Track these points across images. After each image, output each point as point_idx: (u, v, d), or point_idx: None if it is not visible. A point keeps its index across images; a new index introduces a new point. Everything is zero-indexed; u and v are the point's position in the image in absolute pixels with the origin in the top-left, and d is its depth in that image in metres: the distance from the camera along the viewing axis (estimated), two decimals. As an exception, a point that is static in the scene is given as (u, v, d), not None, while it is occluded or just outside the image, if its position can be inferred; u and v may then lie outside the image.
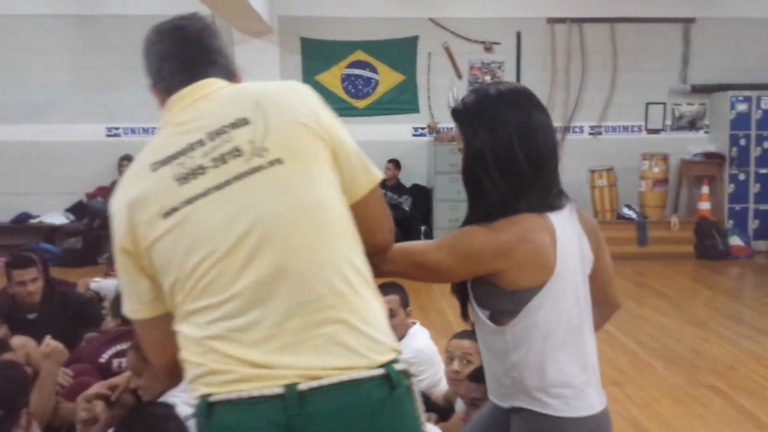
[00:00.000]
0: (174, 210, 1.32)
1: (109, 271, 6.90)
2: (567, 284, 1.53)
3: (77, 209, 8.35)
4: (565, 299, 1.53)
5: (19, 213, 8.37)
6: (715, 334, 5.24)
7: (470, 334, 2.53)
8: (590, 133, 8.83)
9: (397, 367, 1.29)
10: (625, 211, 8.33)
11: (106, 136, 8.47)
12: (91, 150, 8.39)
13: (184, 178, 1.33)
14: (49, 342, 2.96)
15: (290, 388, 1.22)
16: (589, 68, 8.66)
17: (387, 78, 8.56)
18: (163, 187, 1.34)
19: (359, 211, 1.39)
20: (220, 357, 1.26)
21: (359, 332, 1.27)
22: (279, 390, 1.22)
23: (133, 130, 8.46)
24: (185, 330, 1.32)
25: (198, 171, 1.33)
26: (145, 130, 8.39)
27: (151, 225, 1.33)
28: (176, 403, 2.46)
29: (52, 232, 8.32)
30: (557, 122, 8.69)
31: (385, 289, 3.14)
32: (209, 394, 1.27)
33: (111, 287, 4.73)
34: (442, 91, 8.52)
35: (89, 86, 8.34)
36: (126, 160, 8.14)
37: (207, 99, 1.42)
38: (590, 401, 1.59)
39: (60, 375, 2.97)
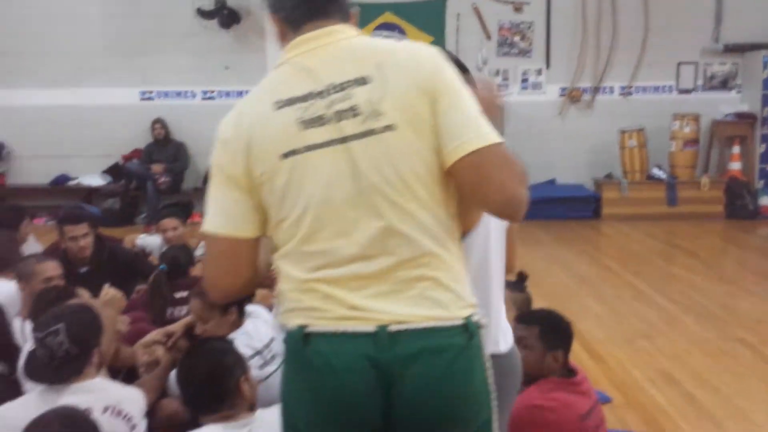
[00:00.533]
0: (293, 152, 1.38)
1: (147, 229, 7.15)
2: (480, 229, 1.69)
3: (114, 171, 8.56)
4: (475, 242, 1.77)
5: (58, 175, 8.61)
6: (744, 291, 5.31)
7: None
8: (621, 94, 8.79)
9: (474, 318, 1.42)
10: (655, 171, 8.33)
11: (140, 100, 8.62)
12: (125, 113, 8.56)
13: (306, 124, 1.38)
14: (108, 290, 3.11)
15: (382, 328, 1.36)
16: (619, 28, 8.57)
17: (415, 40, 8.52)
18: (285, 127, 1.39)
19: (467, 168, 1.37)
20: (321, 296, 1.39)
21: (446, 288, 1.40)
22: (372, 328, 1.36)
23: (165, 94, 8.60)
24: (289, 268, 1.43)
25: (318, 120, 1.38)
26: (177, 94, 8.55)
27: (267, 162, 1.40)
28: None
29: (89, 194, 8.55)
30: (587, 83, 8.68)
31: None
32: (306, 325, 1.39)
33: (155, 244, 4.92)
34: (471, 52, 8.51)
35: (125, 51, 8.48)
36: (158, 123, 8.31)
37: (333, 47, 1.43)
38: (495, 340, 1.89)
39: (119, 322, 3.14)
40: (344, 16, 1.50)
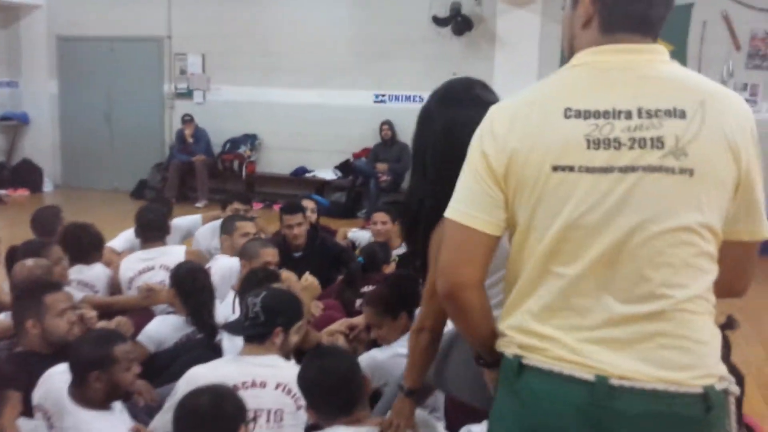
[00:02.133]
0: (569, 168, 1.27)
1: (365, 224, 7.65)
2: None
3: (344, 167, 9.25)
4: None
5: (297, 167, 9.52)
6: None
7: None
8: None
9: (718, 387, 1.26)
10: None
11: (374, 102, 9.21)
12: (359, 114, 9.20)
13: (595, 143, 1.26)
14: (308, 277, 3.48)
15: (601, 378, 1.24)
16: None
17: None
18: (569, 140, 1.27)
19: (730, 251, 1.33)
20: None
21: (688, 351, 1.26)
22: (590, 377, 1.25)
23: (396, 98, 9.09)
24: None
25: (612, 143, 1.26)
26: (407, 98, 8.98)
27: (536, 169, 1.29)
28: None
29: (322, 186, 9.34)
30: None
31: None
32: (522, 356, 1.32)
33: (365, 238, 5.28)
34: (716, 62, 7.85)
35: (365, 55, 9.12)
36: (386, 124, 8.82)
37: (650, 68, 1.31)
38: None
39: (312, 306, 3.48)
40: (656, 37, 1.36)
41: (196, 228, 4.86)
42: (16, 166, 10.64)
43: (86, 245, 3.99)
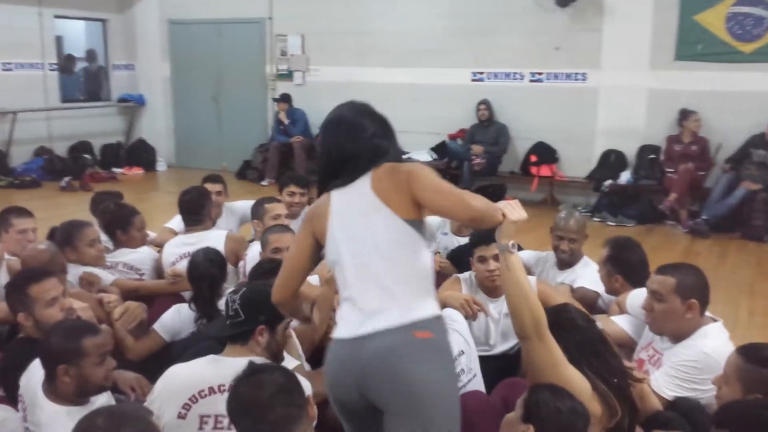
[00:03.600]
0: None
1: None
2: (341, 233, 2.06)
3: (439, 149, 8.89)
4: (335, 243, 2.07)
5: (393, 149, 9.25)
6: None
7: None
8: None
9: None
10: None
11: (471, 80, 8.75)
12: (456, 93, 8.78)
13: None
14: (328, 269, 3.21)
15: None
16: None
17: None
18: None
19: None
20: None
21: None
22: None
23: (495, 75, 8.58)
24: None
25: None
26: (506, 75, 8.45)
27: None
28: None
29: (417, 169, 9.01)
30: None
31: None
32: None
33: (435, 222, 4.89)
34: None
35: (463, 31, 8.66)
36: (482, 104, 8.35)
37: None
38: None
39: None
40: None
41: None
42: (131, 145, 11.18)
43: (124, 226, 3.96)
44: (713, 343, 2.53)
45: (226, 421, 2.24)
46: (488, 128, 8.36)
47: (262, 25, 10.11)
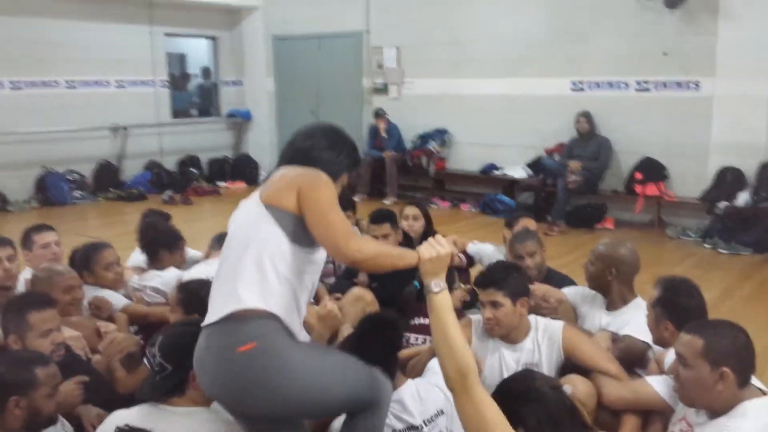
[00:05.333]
0: None
1: (548, 230, 6.86)
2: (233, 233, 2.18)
3: (535, 165, 8.32)
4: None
5: (487, 164, 8.79)
6: None
7: None
8: None
9: None
10: None
11: (570, 90, 8.11)
12: (554, 104, 8.19)
13: None
14: (327, 304, 2.91)
15: None
16: None
17: None
18: None
19: None
20: None
21: None
22: None
23: (597, 85, 7.90)
24: None
25: None
26: (609, 85, 7.77)
27: None
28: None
29: (511, 185, 8.51)
30: None
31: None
32: None
33: (489, 253, 4.50)
34: None
35: (562, 39, 8.07)
36: (583, 116, 7.71)
37: None
38: None
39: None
40: None
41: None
42: (236, 159, 11.44)
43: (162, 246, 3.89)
44: (752, 427, 1.96)
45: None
46: (588, 142, 7.69)
47: (360, 38, 9.99)
